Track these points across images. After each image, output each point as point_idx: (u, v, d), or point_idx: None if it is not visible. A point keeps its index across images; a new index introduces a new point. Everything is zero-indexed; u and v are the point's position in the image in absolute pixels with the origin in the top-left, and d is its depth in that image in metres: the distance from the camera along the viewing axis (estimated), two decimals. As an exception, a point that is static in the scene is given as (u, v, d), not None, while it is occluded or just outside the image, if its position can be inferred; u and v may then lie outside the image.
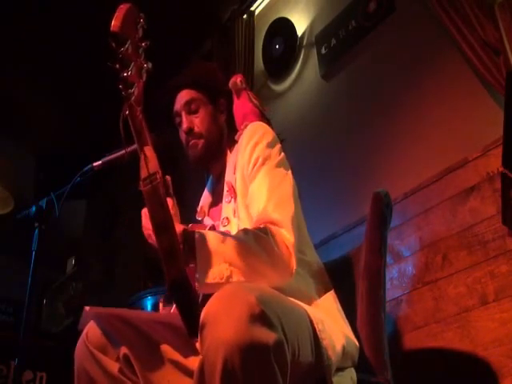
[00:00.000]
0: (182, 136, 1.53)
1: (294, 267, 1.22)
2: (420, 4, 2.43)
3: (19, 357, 1.51)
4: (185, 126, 1.51)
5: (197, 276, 1.12)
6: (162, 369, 1.20)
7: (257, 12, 3.51)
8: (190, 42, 3.61)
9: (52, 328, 3.56)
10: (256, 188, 1.33)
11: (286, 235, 1.24)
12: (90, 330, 1.26)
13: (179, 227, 1.16)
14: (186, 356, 1.21)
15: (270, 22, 3.33)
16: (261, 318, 0.91)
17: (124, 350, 1.22)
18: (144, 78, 1.03)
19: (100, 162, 1.62)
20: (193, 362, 1.18)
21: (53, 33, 3.44)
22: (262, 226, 1.24)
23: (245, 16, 3.46)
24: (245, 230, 1.26)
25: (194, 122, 1.52)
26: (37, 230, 1.65)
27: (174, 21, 3.50)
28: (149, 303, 2.83)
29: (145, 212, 1.24)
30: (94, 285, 3.92)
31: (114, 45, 0.96)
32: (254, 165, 1.37)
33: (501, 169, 1.79)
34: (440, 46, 2.33)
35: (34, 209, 1.66)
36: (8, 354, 2.46)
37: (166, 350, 1.21)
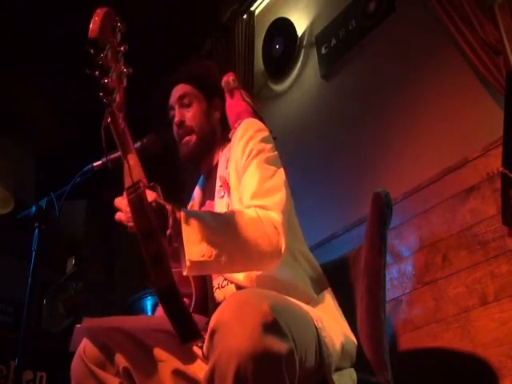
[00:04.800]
0: (174, 129, 1.54)
1: (283, 246, 1.20)
2: (420, 4, 2.43)
3: (19, 357, 1.51)
4: (176, 118, 1.52)
5: (184, 254, 1.08)
6: (163, 380, 1.17)
7: (257, 12, 3.51)
8: (190, 42, 3.61)
9: (52, 328, 3.56)
10: (248, 178, 1.33)
11: (272, 215, 1.23)
12: (87, 345, 1.23)
13: (165, 204, 1.13)
14: (185, 363, 1.18)
15: (270, 21, 3.33)
16: (273, 327, 0.90)
17: (123, 363, 1.20)
18: (124, 84, 1.01)
19: (100, 162, 1.62)
20: (193, 370, 1.17)
21: (53, 32, 3.44)
22: (250, 209, 1.24)
23: (245, 16, 3.46)
24: (232, 210, 1.26)
25: (185, 115, 1.53)
26: (37, 230, 1.65)
27: (174, 21, 3.50)
28: (149, 303, 2.83)
29: (120, 199, 1.20)
30: (94, 285, 3.91)
31: (92, 51, 0.93)
32: (248, 157, 1.36)
33: (501, 169, 1.79)
34: (440, 46, 2.33)
35: (33, 209, 1.66)
36: (8, 354, 2.45)
37: (166, 358, 1.19)
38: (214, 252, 1.09)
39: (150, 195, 1.07)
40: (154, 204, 1.06)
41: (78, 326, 1.22)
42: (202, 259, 1.08)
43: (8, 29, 3.41)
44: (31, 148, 4.35)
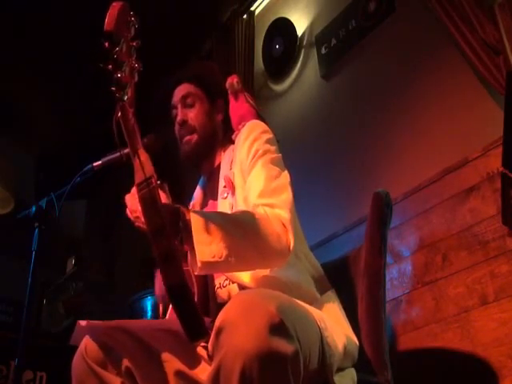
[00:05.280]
0: (176, 128, 1.54)
1: (292, 243, 1.21)
2: (420, 4, 2.42)
3: (19, 357, 1.51)
4: (179, 117, 1.52)
5: (194, 255, 1.09)
6: (165, 381, 1.17)
7: (257, 12, 3.50)
8: (190, 41, 3.61)
9: (52, 328, 3.56)
10: (254, 178, 1.34)
11: (280, 213, 1.24)
12: (89, 344, 1.23)
13: (175, 205, 1.14)
14: (188, 364, 1.18)
15: (270, 21, 3.33)
16: (280, 328, 0.90)
17: (125, 362, 1.19)
18: (136, 79, 1.00)
19: (100, 161, 1.62)
20: (196, 371, 1.17)
21: (53, 32, 3.44)
22: (257, 208, 1.25)
23: (245, 16, 3.46)
24: (240, 210, 1.26)
25: (188, 115, 1.53)
26: (37, 230, 1.64)
27: (174, 21, 3.50)
28: (149, 303, 2.84)
29: (129, 196, 1.22)
30: (94, 285, 3.92)
31: (107, 44, 0.93)
32: (254, 156, 1.37)
33: (501, 169, 1.79)
34: (440, 46, 2.33)
35: (33, 209, 1.66)
36: (8, 354, 2.45)
37: (168, 359, 1.18)
38: (225, 252, 1.10)
39: (162, 197, 1.07)
40: (167, 206, 1.07)
41: (80, 321, 1.22)
42: (212, 260, 1.09)
43: (8, 29, 3.41)
44: (31, 148, 4.35)
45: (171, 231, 1.03)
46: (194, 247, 1.09)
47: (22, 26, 3.41)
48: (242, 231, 1.16)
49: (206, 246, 1.09)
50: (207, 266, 1.09)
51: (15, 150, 4.10)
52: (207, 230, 1.10)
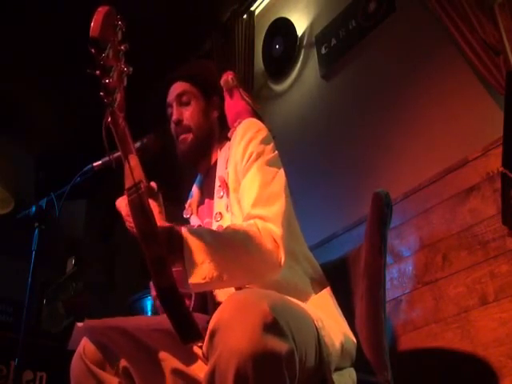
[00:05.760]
0: (172, 127, 1.54)
1: (283, 259, 1.21)
2: (420, 4, 2.43)
3: (19, 357, 1.51)
4: (174, 117, 1.52)
5: (185, 276, 1.10)
6: (163, 379, 1.17)
7: (257, 12, 3.50)
8: (190, 41, 3.61)
9: (52, 328, 3.56)
10: (248, 183, 1.33)
11: (272, 228, 1.23)
12: (87, 345, 1.23)
13: (167, 224, 1.14)
14: (186, 363, 1.18)
15: (270, 21, 3.33)
16: (274, 327, 0.90)
17: (123, 362, 1.20)
18: (125, 83, 1.00)
19: (100, 162, 1.62)
20: (193, 369, 1.17)
21: (53, 32, 3.44)
22: (249, 222, 1.24)
23: (245, 16, 3.46)
24: (232, 226, 1.26)
25: (183, 114, 1.52)
26: (37, 230, 1.65)
27: (173, 21, 3.50)
28: (149, 303, 2.83)
29: (121, 201, 1.21)
30: (94, 285, 3.92)
31: (93, 50, 0.92)
32: (248, 159, 1.36)
33: (501, 169, 1.79)
34: (440, 46, 2.33)
35: (33, 209, 1.66)
36: (8, 354, 2.45)
37: (166, 358, 1.18)
38: (216, 273, 1.10)
39: (155, 208, 1.07)
40: (162, 228, 1.07)
41: (78, 324, 1.22)
42: (203, 281, 1.09)
43: (8, 29, 3.41)
44: (31, 148, 4.35)
45: (165, 251, 1.03)
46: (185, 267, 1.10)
47: (22, 26, 3.41)
48: (234, 252, 1.17)
49: (197, 268, 1.09)
50: (198, 286, 1.11)
51: (15, 150, 4.10)
52: (198, 251, 1.10)
